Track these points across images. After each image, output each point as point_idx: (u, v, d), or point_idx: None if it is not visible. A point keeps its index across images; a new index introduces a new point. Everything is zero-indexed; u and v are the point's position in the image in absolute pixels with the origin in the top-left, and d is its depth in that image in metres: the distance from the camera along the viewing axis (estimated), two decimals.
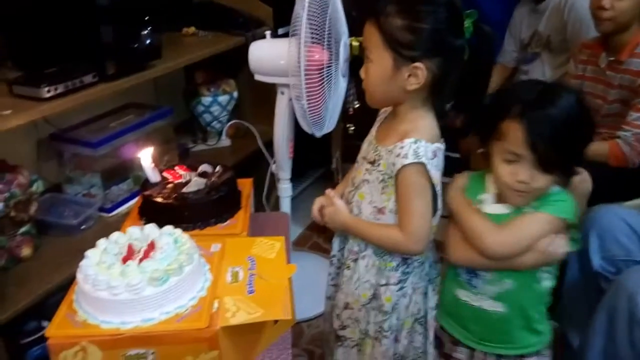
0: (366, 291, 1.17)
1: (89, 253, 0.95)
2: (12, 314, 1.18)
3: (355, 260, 1.17)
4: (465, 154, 2.23)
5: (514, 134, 1.01)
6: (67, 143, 1.57)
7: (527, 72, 2.19)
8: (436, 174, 1.05)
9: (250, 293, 0.94)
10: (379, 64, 1.04)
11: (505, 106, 1.03)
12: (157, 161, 1.18)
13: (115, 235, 0.99)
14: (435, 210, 1.10)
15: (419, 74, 1.01)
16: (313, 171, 2.66)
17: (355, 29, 1.56)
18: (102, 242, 0.98)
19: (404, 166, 1.03)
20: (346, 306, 1.21)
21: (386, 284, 1.15)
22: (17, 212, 1.26)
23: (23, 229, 1.32)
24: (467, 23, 1.02)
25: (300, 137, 1.75)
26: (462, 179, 1.18)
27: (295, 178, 1.87)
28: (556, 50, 2.07)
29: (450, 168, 2.68)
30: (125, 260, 0.92)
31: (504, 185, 1.05)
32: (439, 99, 1.08)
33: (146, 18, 1.41)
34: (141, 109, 1.80)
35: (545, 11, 2.07)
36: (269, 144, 1.82)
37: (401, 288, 1.16)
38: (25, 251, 1.33)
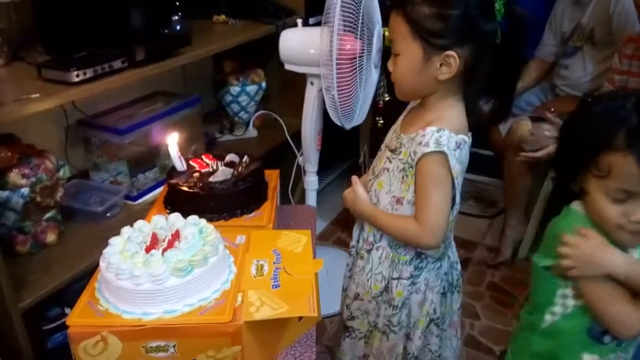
0: (378, 283, 1.14)
1: (113, 241, 0.93)
2: (35, 300, 1.17)
3: (369, 251, 1.15)
4: (498, 152, 2.16)
5: (624, 169, 0.85)
6: (95, 129, 1.56)
7: (567, 66, 2.11)
8: (457, 167, 1.00)
9: (275, 287, 0.91)
10: (408, 55, 1.00)
11: (603, 136, 0.87)
12: (184, 150, 1.16)
13: (139, 223, 0.97)
14: (453, 204, 1.06)
15: (451, 62, 0.97)
16: (339, 164, 2.62)
17: (388, 19, 1.51)
18: (126, 230, 0.96)
19: (424, 154, 0.99)
20: (356, 297, 1.19)
21: (398, 278, 1.12)
22: (42, 198, 1.25)
23: (48, 215, 1.31)
24: (498, 5, 0.97)
25: (327, 129, 1.71)
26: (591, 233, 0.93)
27: (321, 171, 1.83)
28: (600, 44, 1.98)
29: (482, 165, 2.63)
30: (148, 249, 0.90)
31: (615, 226, 0.89)
32: (471, 88, 1.03)
33: (177, 3, 1.39)
34: (169, 97, 1.78)
35: (589, 3, 1.99)
36: (296, 136, 1.79)
37: (413, 283, 1.12)
38: (50, 237, 1.33)
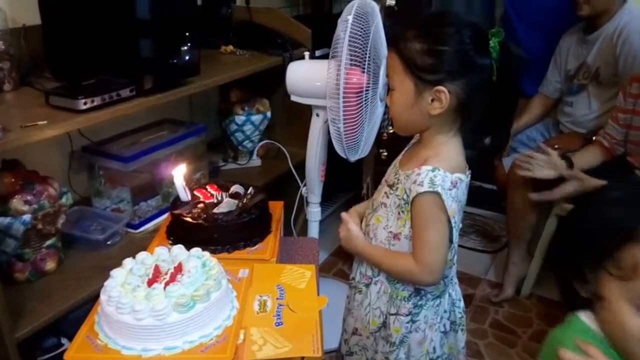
0: (376, 318, 1.12)
1: (115, 273, 0.91)
2: (32, 330, 1.15)
3: (368, 285, 1.13)
4: (501, 187, 2.15)
5: None
6: (99, 156, 1.56)
7: (571, 103, 2.11)
8: (454, 205, 1.00)
9: (278, 325, 0.89)
10: (401, 90, 1.01)
11: (626, 225, 0.71)
12: (188, 178, 1.15)
13: (142, 255, 0.96)
14: (450, 242, 1.05)
15: (442, 97, 0.98)
16: (342, 195, 2.61)
17: None
18: (128, 262, 0.94)
19: (418, 194, 0.99)
20: (355, 332, 1.17)
21: (396, 314, 1.10)
22: (44, 225, 1.24)
23: (49, 242, 1.29)
24: (493, 42, 0.97)
25: (331, 159, 1.71)
26: None
27: (323, 201, 1.82)
28: (605, 84, 1.98)
29: (485, 199, 2.60)
30: (151, 282, 0.89)
31: (635, 340, 0.71)
32: (467, 123, 1.04)
33: (186, 34, 1.40)
34: (175, 125, 1.78)
35: (595, 42, 1.98)
36: (300, 166, 1.78)
37: (412, 321, 1.10)
38: (50, 265, 1.31)
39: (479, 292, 2.20)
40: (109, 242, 1.47)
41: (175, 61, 1.37)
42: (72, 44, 1.34)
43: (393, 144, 1.98)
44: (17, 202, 1.20)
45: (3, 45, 1.29)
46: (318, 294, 1.02)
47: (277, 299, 0.95)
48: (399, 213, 1.05)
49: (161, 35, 1.31)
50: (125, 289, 0.87)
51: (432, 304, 1.11)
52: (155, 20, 1.28)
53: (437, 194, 0.97)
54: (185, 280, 0.87)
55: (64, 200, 1.31)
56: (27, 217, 1.20)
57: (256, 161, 2.07)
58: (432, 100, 0.99)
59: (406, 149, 1.16)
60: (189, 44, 1.40)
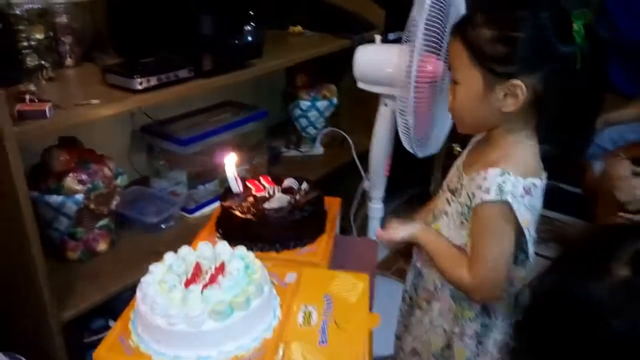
0: (438, 338, 1.01)
1: (154, 268, 0.86)
2: (77, 313, 1.13)
3: (429, 302, 1.02)
4: (589, 193, 1.93)
5: None
6: (157, 137, 1.53)
7: None
8: (528, 216, 0.86)
9: (322, 344, 0.80)
10: (468, 84, 0.88)
11: None
12: (248, 165, 1.07)
13: (184, 250, 0.90)
14: (526, 256, 0.92)
15: (517, 92, 0.84)
16: (407, 190, 2.46)
17: None
18: (169, 257, 0.88)
19: (484, 202, 0.85)
20: (414, 352, 1.07)
21: (461, 334, 0.99)
22: (96, 205, 1.22)
23: (101, 222, 1.27)
24: (577, 26, 0.82)
25: (397, 152, 1.59)
26: None
27: (387, 195, 1.71)
28: None
29: (567, 203, 2.36)
30: (188, 283, 0.82)
31: None
32: (544, 121, 0.89)
33: (250, 13, 1.32)
34: (238, 108, 1.72)
35: None
36: (364, 157, 1.67)
37: (479, 343, 0.98)
38: (102, 245, 1.29)
39: None
40: (163, 226, 1.44)
41: (236, 42, 1.30)
42: (134, 19, 1.30)
43: (468, 138, 1.83)
44: (70, 181, 1.18)
45: (66, 18, 1.27)
46: (371, 309, 0.92)
47: (323, 311, 0.86)
48: (462, 222, 0.93)
49: (223, 14, 1.24)
50: (161, 287, 0.81)
51: (501, 324, 0.98)
52: None
53: (507, 203, 0.84)
54: (225, 284, 0.80)
55: (118, 181, 1.28)
56: (79, 197, 1.18)
57: (319, 149, 1.98)
58: (505, 96, 0.85)
59: (469, 147, 1.02)
60: (252, 24, 1.32)
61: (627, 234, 0.55)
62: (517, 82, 0.83)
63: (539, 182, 0.89)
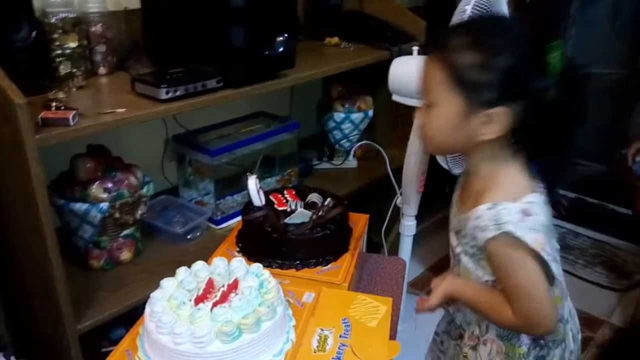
0: None
1: (164, 282, 0.83)
2: (95, 323, 1.12)
3: (475, 347, 0.95)
4: None
5: None
6: (187, 146, 1.52)
7: None
8: (538, 236, 0.80)
9: None
10: (445, 108, 0.84)
11: None
12: (274, 177, 1.04)
13: (198, 265, 0.87)
14: (552, 278, 0.85)
15: (497, 121, 0.80)
16: (441, 207, 2.36)
17: None
18: (181, 272, 0.86)
19: (487, 241, 0.82)
20: None
21: None
22: (121, 214, 1.21)
23: (126, 231, 1.26)
24: (555, 56, 0.79)
25: (432, 167, 1.52)
26: None
27: (420, 211, 1.63)
28: None
29: (617, 225, 2.20)
30: (199, 300, 0.79)
31: None
32: (522, 149, 0.86)
33: (282, 24, 1.29)
34: (270, 119, 1.70)
35: None
36: (399, 172, 1.61)
37: None
38: (125, 254, 1.28)
39: (598, 337, 1.88)
40: (189, 237, 1.42)
41: (267, 52, 1.27)
42: (168, 29, 1.30)
43: None
44: (96, 189, 1.18)
45: (101, 28, 1.28)
46: (395, 333, 0.87)
47: (340, 336, 0.81)
48: (475, 262, 0.89)
49: (254, 24, 1.22)
50: (170, 304, 0.78)
51: (556, 352, 0.93)
52: (248, 8, 1.19)
53: (508, 233, 0.79)
54: (236, 303, 0.76)
55: (144, 190, 1.27)
56: (104, 205, 1.17)
57: (352, 162, 1.93)
58: (484, 124, 0.81)
59: (458, 182, 0.98)
60: (284, 35, 1.29)
61: None
62: (500, 109, 0.80)
63: (537, 197, 0.84)
